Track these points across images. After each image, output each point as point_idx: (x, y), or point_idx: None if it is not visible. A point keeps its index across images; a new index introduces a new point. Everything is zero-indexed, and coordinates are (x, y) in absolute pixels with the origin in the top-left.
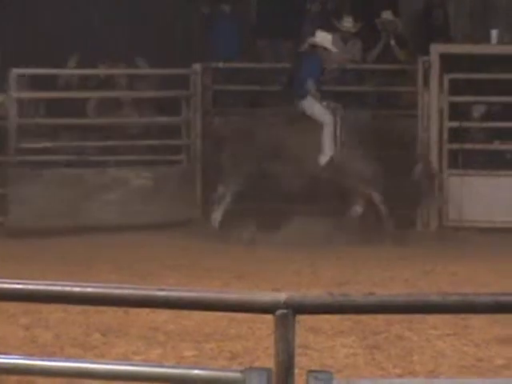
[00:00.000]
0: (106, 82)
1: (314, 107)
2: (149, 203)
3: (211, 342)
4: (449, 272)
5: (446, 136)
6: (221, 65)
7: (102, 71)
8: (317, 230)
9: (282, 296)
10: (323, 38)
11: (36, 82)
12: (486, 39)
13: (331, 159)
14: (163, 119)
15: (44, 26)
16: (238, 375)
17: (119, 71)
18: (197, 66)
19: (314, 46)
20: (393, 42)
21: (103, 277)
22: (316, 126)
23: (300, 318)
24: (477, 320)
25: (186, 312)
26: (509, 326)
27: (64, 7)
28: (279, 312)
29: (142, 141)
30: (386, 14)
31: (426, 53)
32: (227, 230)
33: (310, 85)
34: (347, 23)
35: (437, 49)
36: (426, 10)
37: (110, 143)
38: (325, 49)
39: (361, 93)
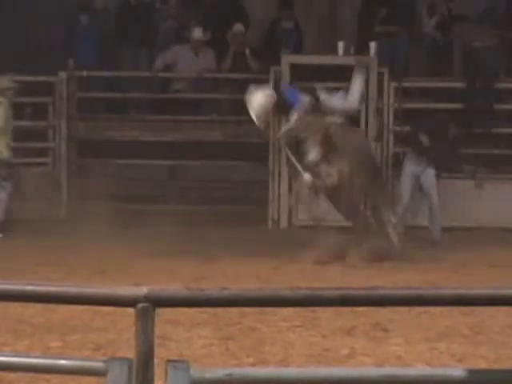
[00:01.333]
0: None
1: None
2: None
3: (76, 333)
4: (296, 268)
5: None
6: (84, 73)
7: None
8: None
9: (142, 290)
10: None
11: None
12: (334, 50)
13: None
14: (30, 123)
15: None
16: (100, 365)
17: None
18: (62, 74)
19: None
20: (247, 52)
21: None
22: None
23: (159, 310)
24: (324, 312)
25: (52, 306)
26: (352, 318)
27: None
28: (140, 305)
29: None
30: (237, 27)
31: (278, 63)
32: (90, 230)
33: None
34: (197, 33)
35: (287, 59)
36: (275, 21)
37: None
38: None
39: (216, 100)
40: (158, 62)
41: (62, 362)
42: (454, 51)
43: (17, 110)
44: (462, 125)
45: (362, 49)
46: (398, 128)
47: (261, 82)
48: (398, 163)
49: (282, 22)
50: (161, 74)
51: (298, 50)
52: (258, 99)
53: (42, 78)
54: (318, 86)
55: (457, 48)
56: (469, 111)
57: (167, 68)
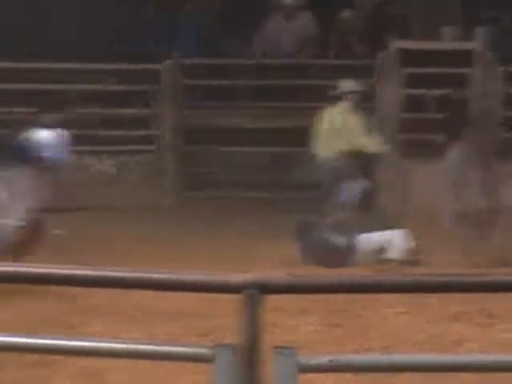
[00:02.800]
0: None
1: None
2: (118, 189)
3: (183, 320)
4: None
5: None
6: (191, 61)
7: (69, 66)
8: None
9: (249, 277)
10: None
11: None
12: (439, 36)
13: None
14: (136, 111)
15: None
16: (207, 351)
17: (91, 66)
18: (168, 62)
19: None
20: (352, 39)
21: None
22: None
23: (266, 297)
24: (430, 299)
25: (159, 293)
26: (459, 304)
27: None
28: (247, 292)
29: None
30: (345, 13)
31: (384, 48)
32: (199, 218)
33: None
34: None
35: (395, 44)
36: (380, 6)
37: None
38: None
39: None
40: (256, 42)
41: (169, 348)
42: None
43: (124, 98)
44: None
45: (469, 34)
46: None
47: (367, 67)
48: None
49: (386, 6)
50: (264, 61)
51: (403, 35)
52: None
53: (148, 66)
54: None
55: None
56: None
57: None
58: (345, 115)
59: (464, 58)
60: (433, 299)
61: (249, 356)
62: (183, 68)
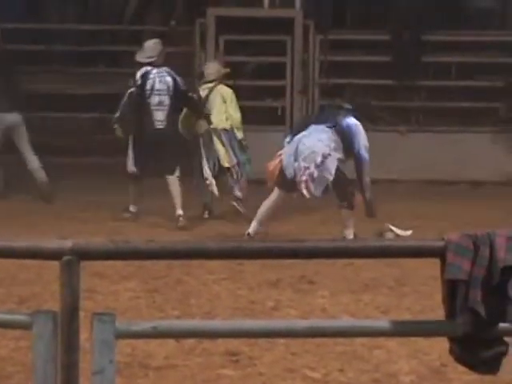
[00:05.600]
0: None
1: None
2: None
3: (1, 286)
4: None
5: None
6: (12, 26)
7: None
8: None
9: (67, 243)
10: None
11: None
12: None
13: None
14: None
15: None
16: (25, 318)
17: None
18: None
19: None
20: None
21: None
22: None
23: (86, 263)
24: (250, 265)
25: None
26: (278, 270)
27: None
28: (65, 258)
29: None
30: None
31: (203, 15)
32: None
33: None
34: None
35: (212, 11)
36: None
37: None
38: None
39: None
40: None
41: None
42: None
43: None
44: (389, 77)
45: (288, 1)
46: (323, 81)
47: (186, 34)
48: None
49: None
50: (85, 26)
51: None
52: None
53: None
54: None
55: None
56: (396, 63)
57: None
58: None
59: (284, 25)
60: (253, 265)
61: (68, 322)
62: (3, 32)
